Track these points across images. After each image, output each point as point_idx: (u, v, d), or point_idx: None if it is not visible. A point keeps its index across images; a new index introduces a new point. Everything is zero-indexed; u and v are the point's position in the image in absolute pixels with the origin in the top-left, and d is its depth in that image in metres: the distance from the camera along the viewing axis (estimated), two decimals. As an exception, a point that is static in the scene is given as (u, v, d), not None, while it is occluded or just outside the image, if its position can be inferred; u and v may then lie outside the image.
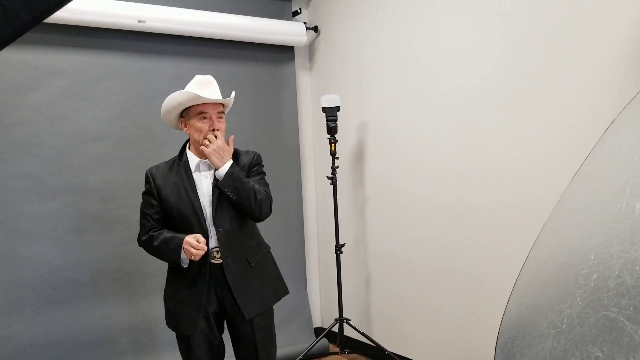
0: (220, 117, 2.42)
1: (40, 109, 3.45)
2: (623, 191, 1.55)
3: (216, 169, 2.34)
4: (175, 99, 2.36)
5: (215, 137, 2.34)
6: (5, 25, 0.80)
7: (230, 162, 2.36)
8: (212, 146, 2.32)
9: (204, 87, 2.39)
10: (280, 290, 2.58)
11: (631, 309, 1.24)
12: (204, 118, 2.37)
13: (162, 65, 3.84)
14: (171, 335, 3.60)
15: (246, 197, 2.34)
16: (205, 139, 2.35)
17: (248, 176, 2.46)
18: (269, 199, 2.43)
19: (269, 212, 2.45)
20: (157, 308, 3.70)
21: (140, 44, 3.77)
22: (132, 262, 3.66)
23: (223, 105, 2.46)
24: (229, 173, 2.32)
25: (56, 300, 3.45)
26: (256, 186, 2.39)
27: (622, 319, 1.24)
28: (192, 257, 2.25)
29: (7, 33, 0.82)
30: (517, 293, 1.92)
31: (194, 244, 2.24)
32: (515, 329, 1.76)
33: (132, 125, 3.72)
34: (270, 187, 2.54)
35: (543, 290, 1.72)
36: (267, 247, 2.60)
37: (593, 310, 1.37)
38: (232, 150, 2.42)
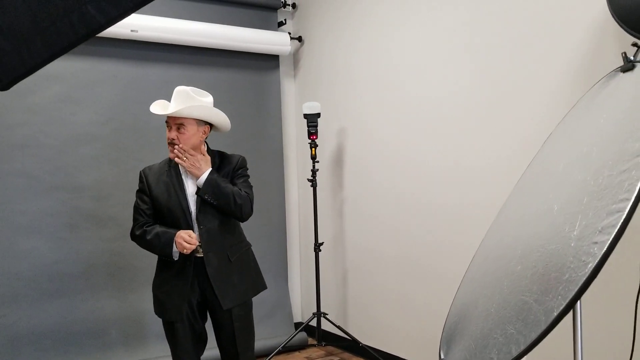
0: (179, 129, 2.56)
1: (37, 112, 3.67)
2: (548, 195, 1.80)
3: (197, 179, 2.57)
4: None
5: (180, 151, 2.52)
6: (28, 60, 1.04)
7: (209, 170, 2.57)
8: (187, 162, 2.53)
9: (174, 99, 2.60)
10: (258, 284, 2.80)
11: (539, 293, 1.48)
12: (168, 128, 2.60)
13: (153, 72, 4.06)
14: (159, 326, 3.83)
15: (226, 202, 2.56)
16: (175, 154, 2.53)
17: (233, 178, 2.67)
18: (249, 201, 2.64)
19: (250, 213, 2.67)
20: (146, 301, 3.91)
21: (133, 52, 3.99)
22: (123, 257, 3.88)
23: (208, 121, 2.64)
24: (207, 181, 2.54)
25: (50, 293, 3.66)
26: (235, 190, 2.60)
27: (531, 301, 1.49)
28: (184, 251, 2.48)
29: (28, 66, 1.06)
30: (464, 284, 2.17)
31: (186, 239, 2.47)
32: (459, 314, 2.00)
33: (123, 128, 3.94)
34: (254, 189, 2.76)
35: (483, 280, 1.97)
36: (248, 244, 2.82)
37: (514, 296, 1.62)
38: (209, 158, 2.61)
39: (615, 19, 2.13)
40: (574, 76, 2.59)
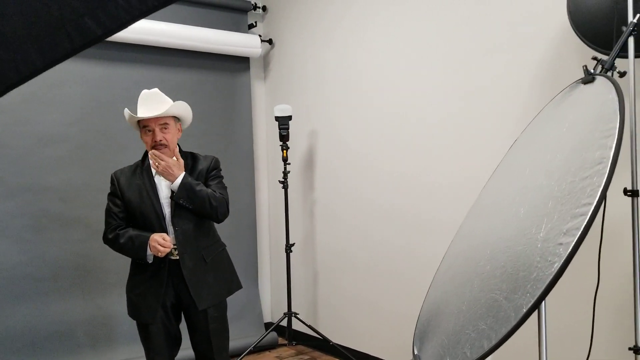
0: (164, 128, 2.60)
1: (3, 112, 3.61)
2: (514, 199, 1.90)
3: (171, 183, 2.59)
4: (125, 116, 2.63)
5: (157, 155, 2.53)
6: (23, 68, 1.06)
7: (182, 174, 2.58)
8: (160, 167, 2.54)
9: (145, 102, 2.61)
10: (233, 284, 2.84)
11: (508, 291, 1.58)
12: (148, 131, 2.61)
13: (121, 72, 4.04)
14: (127, 328, 3.84)
15: (201, 205, 2.59)
16: (152, 158, 2.55)
17: (206, 179, 2.70)
18: (225, 202, 2.68)
19: (226, 214, 2.71)
20: (114, 303, 3.91)
21: (101, 52, 3.97)
22: (90, 260, 3.86)
23: (175, 116, 2.68)
24: (181, 185, 2.56)
25: (16, 295, 3.61)
26: (210, 192, 2.62)
27: (501, 299, 1.59)
28: (159, 254, 2.50)
29: (22, 74, 1.09)
30: (434, 283, 2.27)
31: (160, 242, 2.49)
32: (430, 312, 2.09)
33: (91, 129, 3.91)
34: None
35: (453, 279, 2.06)
36: (223, 245, 2.85)
37: (484, 294, 1.72)
38: (182, 163, 2.62)
39: (576, 33, 2.26)
40: (538, 86, 2.73)
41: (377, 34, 3.66)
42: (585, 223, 1.37)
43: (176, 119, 2.69)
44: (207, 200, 2.60)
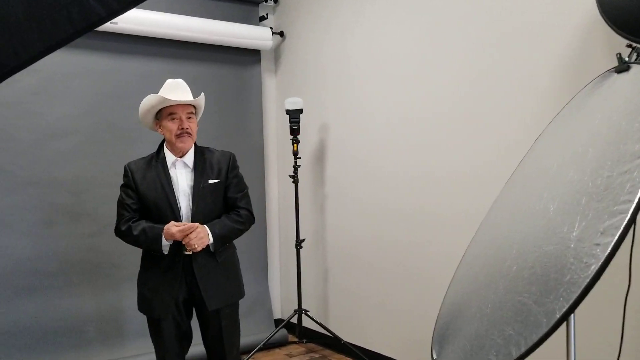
0: (190, 118, 2.60)
1: (10, 105, 3.56)
2: (542, 195, 1.80)
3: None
4: (147, 102, 2.55)
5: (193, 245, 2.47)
6: (22, 53, 0.98)
7: (210, 237, 2.52)
8: (192, 247, 2.46)
9: (174, 90, 2.59)
10: (242, 288, 2.77)
11: (538, 294, 1.48)
12: (174, 119, 2.56)
13: (132, 65, 3.97)
14: (137, 324, 3.77)
15: (236, 236, 2.68)
16: (186, 246, 2.47)
17: (227, 180, 2.67)
18: (248, 214, 2.72)
19: (252, 222, 2.77)
20: (124, 298, 3.84)
21: (111, 44, 3.89)
22: (100, 254, 3.80)
23: (194, 107, 2.64)
24: (216, 244, 2.55)
25: (25, 290, 3.57)
26: (234, 219, 2.64)
27: (531, 302, 1.49)
28: (177, 235, 2.44)
29: (22, 59, 1.00)
30: (454, 283, 2.17)
31: (176, 224, 2.47)
32: (451, 314, 2.00)
33: (101, 122, 3.85)
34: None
35: (475, 279, 1.96)
36: (234, 247, 2.79)
37: (510, 296, 1.62)
38: (197, 226, 2.49)
39: (605, 20, 2.14)
40: (561, 77, 2.61)
41: (392, 27, 3.54)
42: (625, 222, 1.27)
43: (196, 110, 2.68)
44: (237, 231, 2.66)
